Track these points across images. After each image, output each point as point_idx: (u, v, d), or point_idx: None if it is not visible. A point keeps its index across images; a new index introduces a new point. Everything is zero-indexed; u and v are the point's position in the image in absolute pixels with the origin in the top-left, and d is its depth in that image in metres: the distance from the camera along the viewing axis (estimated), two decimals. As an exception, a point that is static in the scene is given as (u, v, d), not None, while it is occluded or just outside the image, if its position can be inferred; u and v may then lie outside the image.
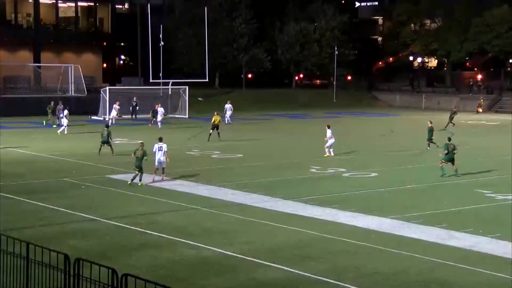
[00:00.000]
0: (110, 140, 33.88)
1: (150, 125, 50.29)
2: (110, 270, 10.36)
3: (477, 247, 18.03)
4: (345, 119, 61.22)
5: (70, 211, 21.63)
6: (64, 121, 44.10)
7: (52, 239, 17.56)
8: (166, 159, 26.93)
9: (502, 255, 17.38)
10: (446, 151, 29.06)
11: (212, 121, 42.02)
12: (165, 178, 27.11)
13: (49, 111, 49.38)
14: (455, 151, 29.02)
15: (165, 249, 17.54)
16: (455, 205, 23.42)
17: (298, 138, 45.17)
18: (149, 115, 52.79)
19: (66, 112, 44.65)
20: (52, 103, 50.56)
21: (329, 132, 34.40)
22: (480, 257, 17.21)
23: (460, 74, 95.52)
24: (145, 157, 25.96)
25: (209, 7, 68.66)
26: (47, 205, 22.42)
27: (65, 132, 43.47)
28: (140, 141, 27.57)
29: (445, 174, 28.85)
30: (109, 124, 36.04)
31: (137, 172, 25.93)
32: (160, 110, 49.81)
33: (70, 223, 20.18)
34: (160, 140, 27.45)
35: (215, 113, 42.52)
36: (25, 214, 21.04)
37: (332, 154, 34.49)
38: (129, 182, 25.95)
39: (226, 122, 51.87)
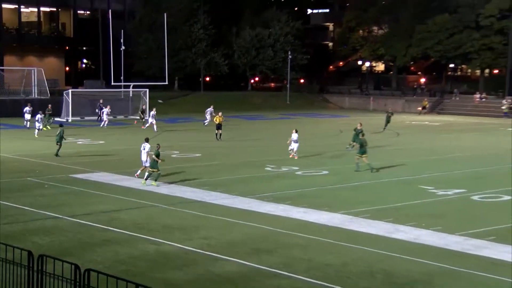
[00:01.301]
0: (62, 139, 33.26)
1: (143, 127, 49.58)
2: (73, 266, 10.28)
3: (420, 239, 18.35)
4: (298, 120, 61.45)
5: (34, 209, 21.37)
6: (37, 124, 43.50)
7: (16, 237, 17.36)
8: (148, 158, 26.90)
9: (442, 246, 17.75)
10: (359, 146, 29.94)
11: (215, 121, 42.81)
12: (138, 175, 27.04)
13: (47, 114, 48.88)
14: (365, 145, 30.01)
15: (126, 245, 17.45)
16: (401, 200, 23.78)
17: (254, 138, 45.28)
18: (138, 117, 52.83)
19: (39, 115, 44.07)
20: (50, 106, 50.17)
21: (295, 136, 33.39)
22: (423, 248, 17.53)
23: (405, 77, 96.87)
24: (158, 158, 25.64)
25: (168, 13, 68.35)
26: (11, 204, 22.09)
27: (36, 135, 42.71)
28: (157, 143, 27.16)
29: (374, 169, 29.58)
30: (62, 124, 35.67)
31: (157, 172, 25.68)
32: (153, 112, 48.74)
33: (33, 221, 19.93)
34: (146, 140, 27.62)
35: (219, 114, 43.21)
36: (-11, 213, 20.73)
37: (296, 156, 33.44)
38: (154, 184, 25.68)
39: (207, 124, 51.77)
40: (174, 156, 35.18)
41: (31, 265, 10.97)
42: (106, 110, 51.53)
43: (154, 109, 49.63)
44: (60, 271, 10.56)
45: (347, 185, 26.95)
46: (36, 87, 62.57)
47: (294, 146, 33.53)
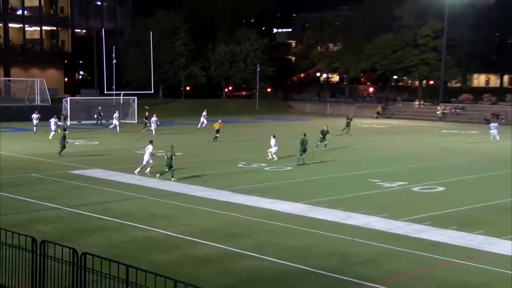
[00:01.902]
0: (65, 142, 32.58)
1: (143, 130, 48.34)
2: (71, 250, 10.18)
3: (369, 225, 18.49)
4: (266, 123, 61.54)
5: (37, 201, 21.09)
6: (52, 127, 41.72)
7: (22, 225, 17.11)
8: (150, 157, 26.89)
9: (388, 230, 17.91)
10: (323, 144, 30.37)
11: (215, 127, 41.94)
12: (148, 173, 26.87)
13: (62, 118, 47.44)
14: (306, 145, 30.85)
15: (118, 232, 17.31)
16: (352, 191, 23.91)
17: (228, 139, 45.04)
18: (143, 123, 50.10)
19: (53, 119, 42.60)
20: (65, 112, 49.02)
21: (273, 141, 32.48)
22: (371, 232, 17.66)
23: (356, 87, 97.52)
24: (173, 157, 25.52)
25: (153, 31, 67.93)
26: (17, 197, 21.79)
27: (50, 137, 41.08)
28: (171, 144, 27.03)
29: (303, 163, 30.04)
30: (66, 129, 34.80)
31: (167, 170, 25.38)
32: (154, 119, 46.43)
33: (36, 211, 19.67)
34: (150, 142, 27.53)
35: (219, 121, 42.60)
36: (-2, 205, 20.39)
37: (276, 158, 32.29)
38: (157, 176, 25.50)
39: (199, 127, 50.72)
40: (159, 154, 34.87)
41: (34, 250, 10.84)
42: (115, 115, 49.49)
43: (155, 115, 47.35)
44: (60, 255, 10.44)
45: (308, 179, 27.02)
46: (38, 95, 61.87)
47: (273, 149, 32.45)
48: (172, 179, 25.44)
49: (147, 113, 50.26)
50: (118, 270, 9.55)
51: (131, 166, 28.92)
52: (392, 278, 13.72)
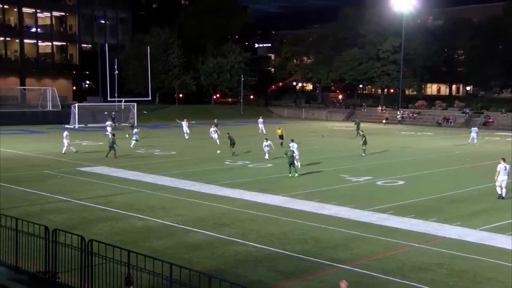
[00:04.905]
0: (114, 144, 31.13)
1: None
2: (79, 237, 10.07)
3: (340, 214, 18.52)
4: (249, 126, 61.42)
5: (49, 194, 20.86)
6: (134, 136, 38.44)
7: (36, 216, 16.90)
8: (270, 148, 28.94)
9: (356, 219, 17.95)
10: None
11: (277, 133, 39.86)
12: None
13: (130, 126, 45.06)
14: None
15: (120, 221, 17.16)
16: (326, 185, 23.91)
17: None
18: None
19: (135, 130, 39.99)
20: (132, 119, 47.26)
21: (266, 143, 31.59)
22: (342, 220, 17.70)
23: (327, 94, 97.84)
24: (293, 156, 26.23)
25: (150, 46, 67.60)
26: (31, 190, 21.53)
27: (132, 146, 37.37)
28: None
29: (235, 154, 31.59)
30: (114, 133, 33.12)
31: (293, 166, 25.91)
32: (185, 123, 44.05)
33: (49, 203, 19.45)
34: (292, 141, 28.97)
35: (278, 127, 41.04)
36: (15, 198, 20.13)
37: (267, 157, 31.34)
38: (290, 175, 25.56)
39: (260, 132, 49.17)
40: (156, 153, 34.76)
41: (47, 237, 10.72)
42: (184, 123, 44.76)
43: (185, 120, 44.91)
44: (70, 241, 10.33)
45: (287, 175, 26.90)
46: (50, 102, 61.48)
47: (266, 149, 31.58)
48: (290, 175, 25.55)
49: (185, 119, 47.16)
50: (120, 255, 9.45)
51: (131, 164, 28.77)
52: (359, 260, 13.75)
